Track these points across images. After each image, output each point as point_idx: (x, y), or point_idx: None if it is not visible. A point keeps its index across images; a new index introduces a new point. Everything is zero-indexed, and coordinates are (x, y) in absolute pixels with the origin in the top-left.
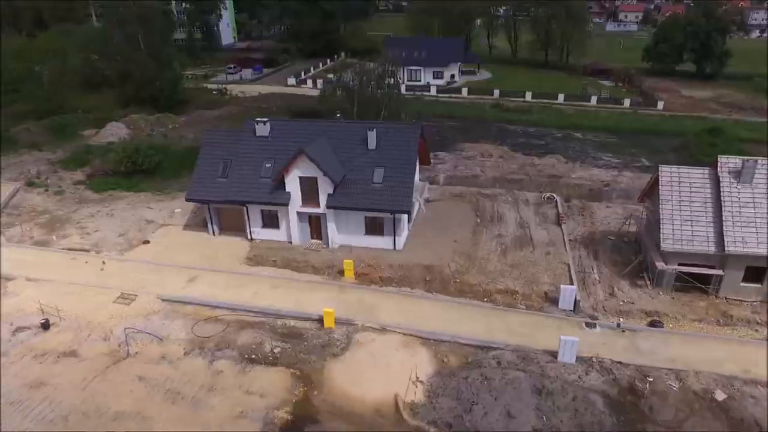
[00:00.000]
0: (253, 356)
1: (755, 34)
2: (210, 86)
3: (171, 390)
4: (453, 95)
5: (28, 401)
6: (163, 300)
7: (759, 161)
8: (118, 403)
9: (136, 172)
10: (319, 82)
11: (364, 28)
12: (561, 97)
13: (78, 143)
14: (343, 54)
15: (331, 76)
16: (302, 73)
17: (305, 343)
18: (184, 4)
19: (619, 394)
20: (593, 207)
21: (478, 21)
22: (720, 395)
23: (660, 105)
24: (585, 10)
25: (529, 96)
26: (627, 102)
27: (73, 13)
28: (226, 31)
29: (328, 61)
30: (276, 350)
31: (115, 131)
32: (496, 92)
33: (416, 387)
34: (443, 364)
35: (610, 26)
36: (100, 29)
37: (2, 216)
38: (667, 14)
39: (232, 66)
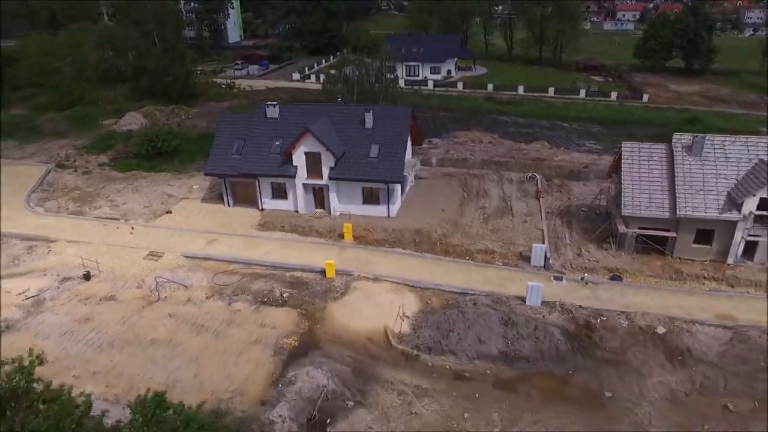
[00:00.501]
0: (265, 300)
1: (750, 32)
2: (219, 81)
3: (196, 324)
4: (449, 89)
5: (79, 331)
6: (187, 257)
7: (707, 137)
8: (153, 333)
9: (156, 154)
10: (322, 77)
11: (366, 27)
12: (551, 91)
13: (99, 131)
14: (345, 51)
15: (333, 71)
16: (306, 69)
17: (310, 289)
18: (192, 4)
19: (576, 329)
20: (571, 185)
21: (478, 20)
22: (661, 330)
23: (645, 98)
24: (578, 9)
25: (521, 90)
26: (614, 95)
27: (86, 13)
28: (233, 30)
29: (331, 57)
30: (285, 295)
31: (133, 120)
32: (490, 86)
33: (403, 321)
34: (426, 305)
35: (608, 25)
36: (117, 27)
37: (38, 191)
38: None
39: (239, 62)
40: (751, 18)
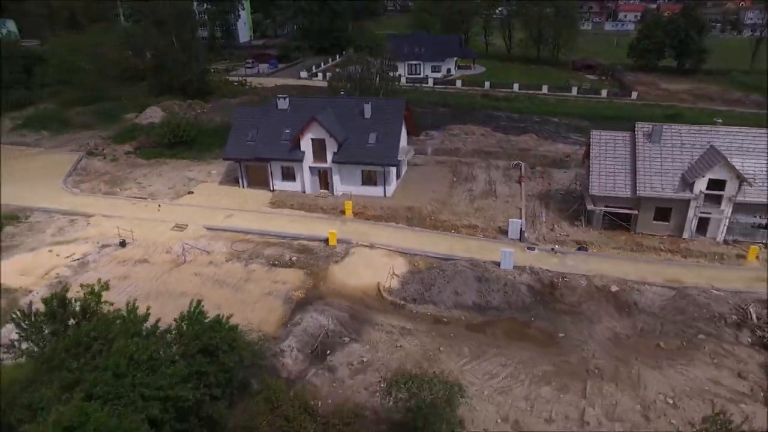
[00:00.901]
0: (276, 262)
1: (749, 33)
2: (231, 79)
3: (218, 280)
4: (448, 87)
5: (119, 286)
6: (208, 229)
7: (665, 126)
8: (182, 288)
9: (176, 143)
10: (329, 75)
11: (371, 27)
12: (545, 89)
13: (122, 124)
14: (351, 50)
15: (338, 70)
16: (313, 68)
17: (314, 254)
18: (205, 5)
19: (541, 287)
20: (552, 172)
21: (482, 19)
22: (614, 288)
23: (634, 95)
24: (574, 10)
25: (516, 87)
26: (604, 92)
27: (103, 13)
28: (243, 30)
29: (337, 57)
30: (293, 259)
31: (154, 114)
32: (487, 84)
33: (393, 278)
34: (414, 267)
35: (609, 26)
36: (137, 28)
37: (74, 175)
38: (667, 13)
39: (250, 61)
40: (751, 19)
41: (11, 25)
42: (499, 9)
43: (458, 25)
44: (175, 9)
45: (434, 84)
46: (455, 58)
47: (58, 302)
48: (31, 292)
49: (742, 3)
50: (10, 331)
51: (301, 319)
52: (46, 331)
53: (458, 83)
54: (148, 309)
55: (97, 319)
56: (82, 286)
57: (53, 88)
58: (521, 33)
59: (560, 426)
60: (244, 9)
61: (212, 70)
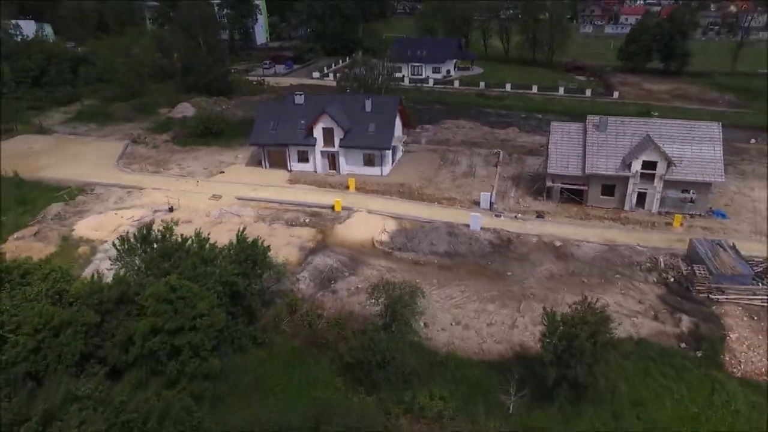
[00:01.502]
0: (293, 223)
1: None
2: (250, 78)
3: (248, 235)
4: (447, 87)
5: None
6: (238, 198)
7: (610, 118)
8: (219, 239)
9: (207, 134)
10: (338, 75)
11: (380, 30)
12: (535, 88)
13: (158, 117)
14: (361, 52)
15: (346, 71)
16: (325, 68)
17: (323, 217)
18: (225, 10)
19: (500, 242)
20: (526, 159)
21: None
22: (557, 243)
23: (616, 95)
24: (565, 16)
25: (508, 87)
26: (589, 92)
27: (131, 17)
28: (260, 33)
29: (347, 58)
30: (306, 220)
31: (185, 109)
32: (482, 84)
33: (384, 234)
34: (401, 226)
35: (609, 28)
36: (166, 31)
37: (124, 159)
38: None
39: (267, 62)
40: (746, 22)
41: (48, 29)
42: (503, 12)
43: (460, 28)
44: (201, 15)
45: (434, 84)
46: (455, 60)
47: (146, 230)
48: (105, 242)
49: (744, 6)
50: (100, 260)
51: (312, 260)
52: (139, 251)
53: (456, 83)
54: (206, 237)
55: (174, 240)
56: (161, 221)
57: (95, 86)
58: (518, 36)
59: (497, 328)
60: (261, 13)
61: (233, 71)
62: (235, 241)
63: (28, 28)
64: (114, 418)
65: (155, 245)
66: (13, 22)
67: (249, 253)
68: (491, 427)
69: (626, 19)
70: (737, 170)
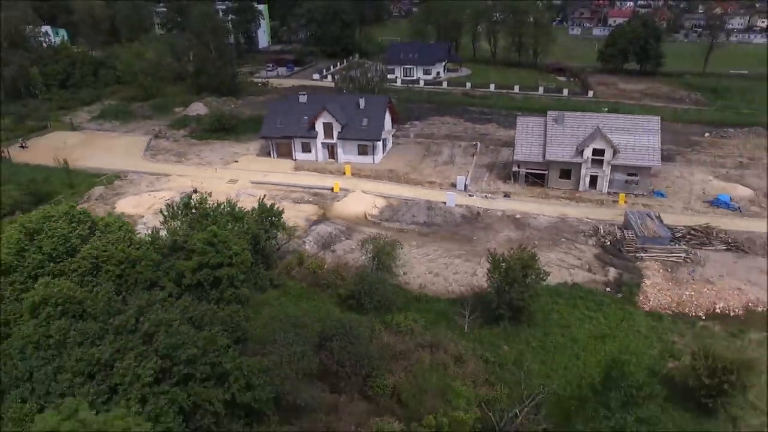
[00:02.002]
0: (298, 201)
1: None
2: (255, 80)
3: None
4: (436, 87)
5: None
6: (252, 182)
7: (567, 113)
8: None
9: (220, 129)
10: (336, 77)
11: (377, 32)
12: (517, 88)
13: (174, 115)
14: (357, 55)
15: (344, 73)
16: (324, 70)
17: (324, 197)
18: (230, 15)
19: (470, 215)
20: (501, 150)
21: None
22: (518, 216)
23: (590, 94)
24: (548, 21)
25: (492, 87)
26: (566, 91)
27: (141, 23)
28: (263, 37)
29: (345, 61)
30: (309, 199)
31: (198, 108)
32: (468, 84)
33: (374, 209)
34: (389, 203)
35: (597, 31)
36: (171, 36)
37: (149, 150)
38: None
39: (270, 65)
40: (731, 25)
41: (63, 34)
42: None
43: (450, 33)
44: (212, 23)
45: (425, 85)
46: (444, 63)
47: (187, 199)
48: (143, 217)
49: (729, 8)
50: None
51: (315, 228)
52: (180, 215)
53: (445, 84)
54: (235, 203)
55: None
56: (196, 191)
57: (113, 87)
58: (505, 40)
59: (461, 276)
60: (263, 18)
61: (239, 73)
62: (257, 206)
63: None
64: (182, 315)
65: (194, 210)
66: (43, 29)
67: (267, 214)
68: (449, 338)
69: (614, 21)
70: (685, 159)
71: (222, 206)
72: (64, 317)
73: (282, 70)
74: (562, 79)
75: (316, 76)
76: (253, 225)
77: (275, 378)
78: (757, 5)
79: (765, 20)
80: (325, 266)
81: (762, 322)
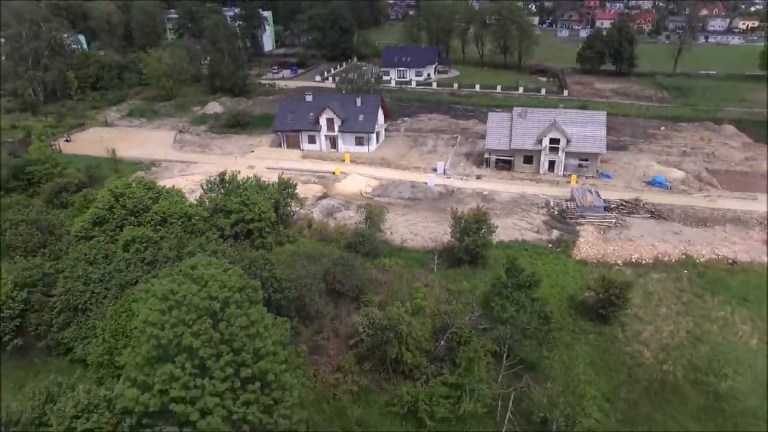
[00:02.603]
0: (307, 183)
1: (702, 40)
2: (263, 82)
3: None
4: (427, 87)
5: None
6: (267, 168)
7: (529, 109)
8: None
9: (236, 125)
10: (336, 78)
11: (374, 36)
12: (499, 88)
13: (193, 114)
14: (355, 58)
15: (343, 75)
16: (325, 73)
17: (327, 179)
18: (238, 22)
19: (446, 192)
20: (479, 141)
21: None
22: (485, 192)
23: (565, 93)
24: (531, 25)
25: (477, 87)
26: (543, 91)
27: (154, 29)
28: (268, 41)
29: (344, 63)
30: (315, 181)
31: (214, 107)
32: (456, 85)
33: (368, 188)
34: (381, 183)
35: (584, 33)
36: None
37: (177, 143)
38: (637, 21)
39: (275, 68)
40: (713, 26)
41: (82, 39)
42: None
43: (441, 37)
44: (226, 31)
45: (416, 85)
46: (434, 65)
47: (222, 176)
48: None
49: (715, 9)
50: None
51: (320, 202)
52: (217, 188)
53: (434, 85)
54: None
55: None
56: (226, 171)
57: (137, 88)
58: (491, 44)
59: (434, 234)
60: (269, 24)
61: (249, 75)
62: (277, 179)
63: None
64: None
65: (228, 184)
66: (78, 37)
67: (285, 186)
68: (421, 273)
69: (602, 24)
70: (637, 148)
71: (249, 180)
72: (147, 251)
73: (286, 73)
74: (543, 79)
75: (318, 77)
76: (275, 193)
77: (298, 286)
78: (742, 6)
79: (746, 22)
80: (329, 228)
81: (665, 267)
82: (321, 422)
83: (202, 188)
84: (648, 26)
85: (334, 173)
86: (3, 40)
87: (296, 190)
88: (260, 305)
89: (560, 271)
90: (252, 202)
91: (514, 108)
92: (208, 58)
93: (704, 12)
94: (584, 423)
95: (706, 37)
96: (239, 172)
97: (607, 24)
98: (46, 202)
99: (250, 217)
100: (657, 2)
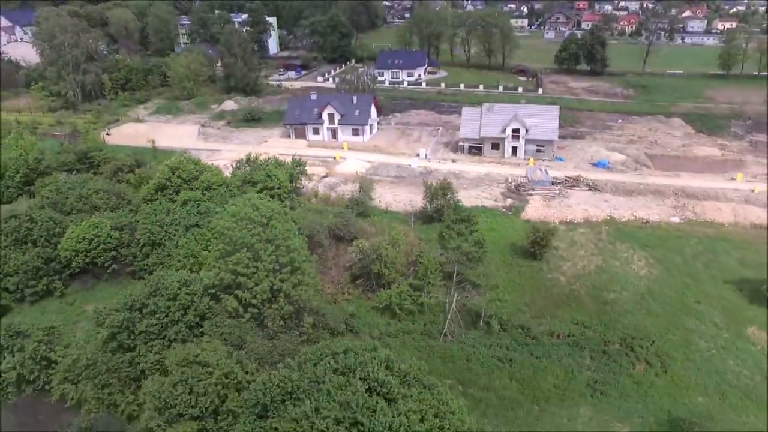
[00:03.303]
0: (313, 165)
1: (679, 40)
2: (270, 82)
3: None
4: (417, 87)
5: None
6: (279, 154)
7: (497, 105)
8: None
9: (251, 120)
10: (336, 79)
11: (370, 41)
12: (481, 87)
13: (211, 111)
14: (353, 61)
15: (342, 76)
16: (326, 74)
17: (329, 162)
18: (246, 28)
19: (426, 172)
20: (457, 132)
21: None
22: (456, 172)
23: (540, 91)
24: (512, 30)
25: (462, 86)
26: (520, 89)
27: (168, 33)
28: (272, 44)
29: (343, 65)
30: (319, 164)
31: (230, 105)
32: (443, 84)
33: (363, 169)
34: (372, 165)
35: (568, 34)
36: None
37: (201, 135)
38: (622, 22)
39: (281, 69)
40: (693, 27)
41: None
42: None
43: (431, 41)
44: (240, 38)
45: (408, 85)
46: (424, 67)
47: (248, 157)
48: None
49: (698, 10)
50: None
51: (324, 179)
52: (244, 166)
53: (424, 84)
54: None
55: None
56: (251, 153)
57: (159, 89)
58: (477, 47)
59: (413, 203)
60: (273, 29)
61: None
62: (291, 159)
63: None
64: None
65: (252, 163)
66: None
67: (297, 164)
68: (400, 227)
69: (588, 25)
70: (592, 137)
71: (269, 159)
72: (200, 206)
73: (292, 74)
74: (523, 78)
75: (320, 78)
76: (290, 168)
77: (309, 226)
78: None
79: (724, 24)
80: (331, 197)
81: (591, 224)
82: (325, 306)
83: (232, 167)
84: (631, 28)
85: (334, 158)
86: (48, 48)
87: (305, 168)
88: (289, 222)
89: (509, 227)
90: (273, 174)
91: (484, 104)
92: (222, 62)
93: (687, 13)
94: (505, 315)
95: (683, 38)
96: (261, 154)
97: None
98: (107, 179)
99: (271, 186)
100: (644, 4)
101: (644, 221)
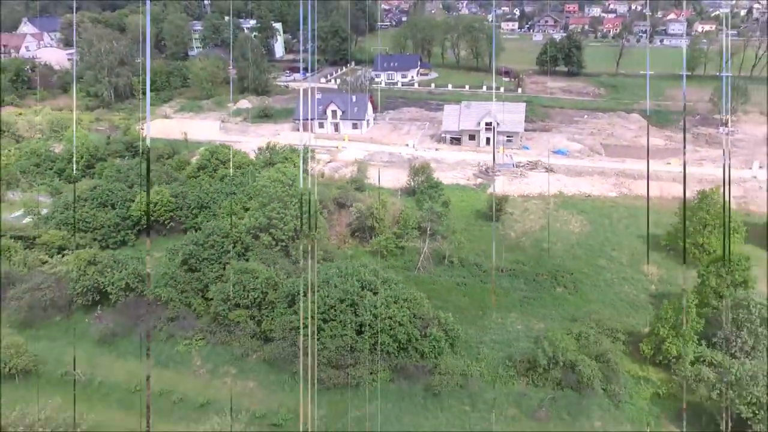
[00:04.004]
0: (319, 153)
1: (657, 42)
2: (277, 83)
3: None
4: (410, 87)
5: None
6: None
7: (473, 103)
8: None
9: (264, 116)
10: (337, 80)
11: (368, 44)
12: (467, 87)
13: (228, 109)
14: (353, 63)
15: (343, 77)
16: (328, 76)
17: (333, 151)
18: (254, 33)
19: (412, 158)
20: (441, 126)
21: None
22: (438, 157)
23: (519, 90)
24: (498, 35)
25: (450, 86)
26: (502, 89)
27: (182, 38)
28: (278, 48)
29: (344, 67)
30: (324, 152)
31: (244, 103)
32: (433, 85)
33: (363, 156)
34: (369, 153)
35: (557, 36)
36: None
37: (222, 129)
38: (607, 25)
39: (287, 71)
40: (674, 29)
41: None
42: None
43: (424, 44)
44: (252, 44)
45: (402, 85)
46: (417, 68)
47: (269, 145)
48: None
49: (681, 13)
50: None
51: (328, 164)
52: (265, 151)
53: (416, 85)
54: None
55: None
56: (270, 141)
57: (180, 89)
58: (465, 50)
59: (401, 180)
60: (279, 34)
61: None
62: (302, 148)
63: None
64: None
65: (272, 149)
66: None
67: (307, 150)
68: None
69: (576, 28)
70: (558, 131)
71: (285, 146)
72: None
73: (298, 76)
74: (506, 79)
75: (323, 80)
76: (303, 152)
77: (320, 195)
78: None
79: (704, 25)
80: (336, 177)
81: (543, 198)
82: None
83: (254, 153)
84: (615, 30)
85: (337, 147)
86: (87, 53)
87: (314, 154)
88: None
89: (477, 199)
90: (289, 157)
91: (462, 102)
92: (236, 65)
93: (672, 16)
94: (464, 255)
95: (661, 40)
96: (277, 144)
97: (579, 29)
98: (152, 163)
99: (287, 167)
100: (632, 7)
101: (587, 195)
